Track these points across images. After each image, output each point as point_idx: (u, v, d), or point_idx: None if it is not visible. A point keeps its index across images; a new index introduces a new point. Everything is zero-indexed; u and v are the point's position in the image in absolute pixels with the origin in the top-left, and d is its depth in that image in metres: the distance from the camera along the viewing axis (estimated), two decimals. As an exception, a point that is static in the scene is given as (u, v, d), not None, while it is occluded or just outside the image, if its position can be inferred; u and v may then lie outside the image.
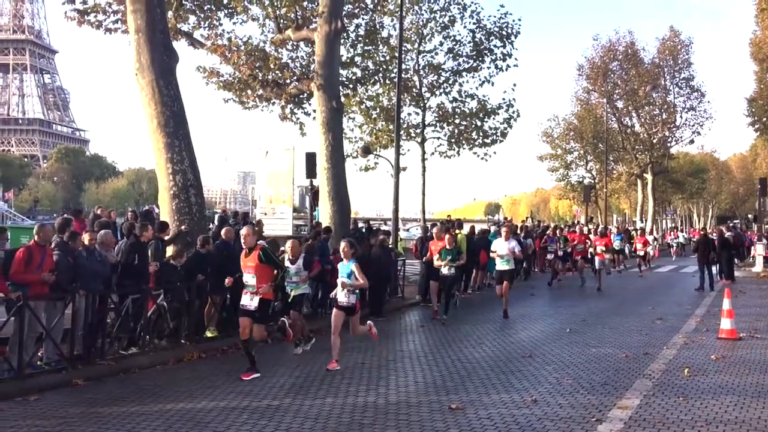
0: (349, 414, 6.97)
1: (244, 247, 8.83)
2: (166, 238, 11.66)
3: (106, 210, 16.42)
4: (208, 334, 11.16)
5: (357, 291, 9.38)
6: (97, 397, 7.62)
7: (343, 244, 9.58)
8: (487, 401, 7.45)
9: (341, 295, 9.33)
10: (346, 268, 9.34)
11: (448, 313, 13.74)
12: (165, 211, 12.84)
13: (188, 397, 7.61)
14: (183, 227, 12.33)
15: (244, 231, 8.95)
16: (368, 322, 10.10)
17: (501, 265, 14.40)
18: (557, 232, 24.08)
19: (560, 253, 21.85)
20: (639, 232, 31.48)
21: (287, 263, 10.10)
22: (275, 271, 8.90)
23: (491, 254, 15.10)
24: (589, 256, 20.78)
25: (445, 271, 13.70)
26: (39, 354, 8.86)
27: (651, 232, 35.41)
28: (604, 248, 20.22)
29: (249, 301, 8.75)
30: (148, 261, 10.36)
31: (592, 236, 22.60)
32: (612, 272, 24.30)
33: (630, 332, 12.27)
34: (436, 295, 14.33)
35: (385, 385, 8.29)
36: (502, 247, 14.40)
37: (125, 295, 9.75)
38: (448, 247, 13.73)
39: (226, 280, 9.74)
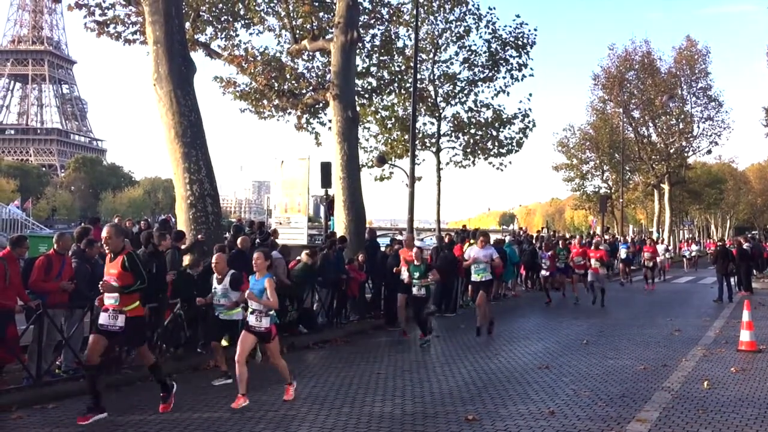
0: (365, 424, 6.94)
1: (107, 251, 7.28)
2: (183, 247, 11.73)
3: (123, 219, 16.57)
4: (224, 342, 11.15)
5: (272, 313, 7.70)
6: (115, 405, 7.64)
7: (256, 255, 7.89)
8: (504, 413, 7.40)
9: (251, 318, 7.67)
10: (259, 283, 7.65)
11: (427, 333, 11.98)
12: (182, 220, 12.92)
13: (205, 406, 7.62)
14: (199, 236, 12.40)
15: (105, 233, 7.22)
16: (294, 383, 8.04)
17: (475, 276, 12.98)
18: (544, 243, 21.88)
19: (560, 265, 20.19)
20: (649, 242, 31.00)
21: (214, 282, 8.88)
22: (137, 282, 7.07)
23: (464, 263, 13.65)
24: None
25: (415, 290, 11.97)
26: (57, 362, 8.92)
27: (662, 242, 34.59)
28: (598, 262, 18.71)
29: (109, 320, 7.02)
30: (166, 270, 10.41)
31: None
32: (613, 284, 23.95)
33: (648, 344, 12.15)
34: (404, 311, 12.89)
35: (401, 395, 8.26)
36: (477, 255, 12.88)
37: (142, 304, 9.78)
38: (416, 262, 11.99)
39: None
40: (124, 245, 7.31)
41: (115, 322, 7.01)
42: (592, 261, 18.61)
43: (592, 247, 20.28)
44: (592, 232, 40.27)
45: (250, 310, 7.73)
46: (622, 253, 27.32)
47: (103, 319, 7.07)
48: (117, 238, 7.19)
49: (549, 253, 20.17)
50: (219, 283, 8.84)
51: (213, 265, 8.93)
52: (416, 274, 11.90)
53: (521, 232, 31.05)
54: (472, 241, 18.14)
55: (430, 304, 16.83)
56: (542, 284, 20.43)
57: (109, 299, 7.03)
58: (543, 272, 20.22)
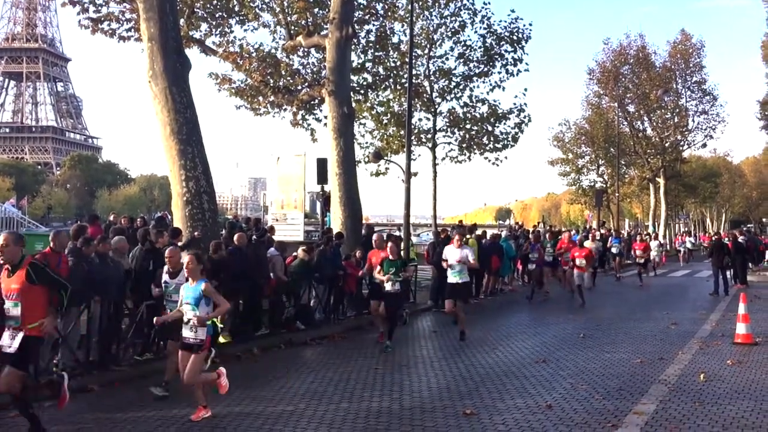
0: (363, 419, 6.97)
1: (3, 263, 6.22)
2: (180, 244, 11.70)
3: (119, 217, 16.56)
4: (221, 339, 11.16)
5: (208, 323, 6.94)
6: (113, 403, 7.66)
7: (187, 259, 7.08)
8: (502, 406, 7.43)
9: (186, 330, 6.92)
10: (192, 290, 6.93)
11: (393, 338, 11.30)
12: (178, 217, 12.91)
13: (203, 403, 7.61)
14: (196, 233, 12.37)
15: (1, 240, 6.11)
16: (220, 368, 7.42)
17: (452, 277, 12.08)
18: (540, 236, 21.60)
19: (548, 258, 19.22)
20: (639, 238, 30.80)
21: (165, 276, 8.01)
22: (60, 293, 6.25)
23: (442, 263, 12.52)
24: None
25: (389, 287, 11.27)
26: (54, 360, 8.90)
27: (655, 237, 34.40)
28: (584, 261, 17.66)
29: (9, 340, 6.08)
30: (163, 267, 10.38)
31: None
32: (609, 278, 23.94)
33: (645, 337, 12.20)
34: (378, 317, 12.02)
35: (398, 390, 8.28)
36: (452, 256, 12.07)
37: (140, 301, 9.80)
38: (391, 257, 11.41)
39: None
40: (24, 255, 6.26)
41: (12, 343, 6.06)
42: (577, 260, 17.74)
43: (577, 244, 19.83)
44: (588, 227, 40.18)
45: (185, 320, 6.99)
46: (614, 248, 27.33)
47: (3, 340, 6.16)
48: (15, 246, 6.15)
49: (538, 245, 20.07)
50: (172, 278, 7.91)
51: (166, 259, 8.03)
52: (392, 269, 11.26)
53: (517, 227, 31.05)
54: (467, 236, 18.16)
55: (427, 299, 16.93)
56: (531, 279, 20.23)
57: (10, 320, 6.13)
58: (530, 265, 20.10)
